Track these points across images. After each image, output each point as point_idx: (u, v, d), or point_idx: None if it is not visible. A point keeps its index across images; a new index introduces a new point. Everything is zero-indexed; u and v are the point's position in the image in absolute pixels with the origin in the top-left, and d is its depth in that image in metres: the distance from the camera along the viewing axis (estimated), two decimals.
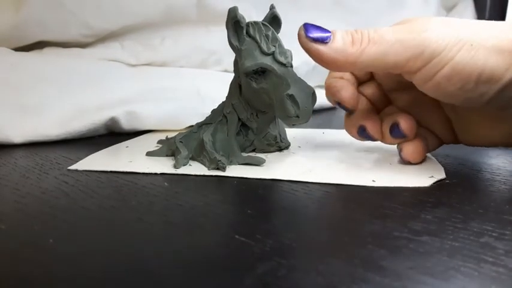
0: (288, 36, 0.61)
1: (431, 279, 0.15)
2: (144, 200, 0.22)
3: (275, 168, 0.28)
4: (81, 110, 0.38)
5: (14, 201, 0.22)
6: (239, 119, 0.31)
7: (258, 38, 0.28)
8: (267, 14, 0.30)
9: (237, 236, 0.18)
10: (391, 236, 0.18)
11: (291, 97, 0.26)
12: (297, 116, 0.26)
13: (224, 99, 0.32)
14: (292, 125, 0.28)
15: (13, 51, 0.40)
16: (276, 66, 0.27)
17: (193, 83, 0.44)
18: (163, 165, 0.28)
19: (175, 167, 0.28)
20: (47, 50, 0.43)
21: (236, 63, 0.30)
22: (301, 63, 0.53)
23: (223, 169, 0.27)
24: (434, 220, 0.19)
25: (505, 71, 0.23)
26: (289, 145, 0.33)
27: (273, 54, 0.28)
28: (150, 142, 0.35)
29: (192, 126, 0.33)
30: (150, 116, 0.40)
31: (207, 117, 0.32)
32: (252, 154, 0.31)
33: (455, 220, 0.19)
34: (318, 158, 0.30)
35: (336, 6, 0.66)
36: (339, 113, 0.56)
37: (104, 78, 0.41)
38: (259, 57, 0.28)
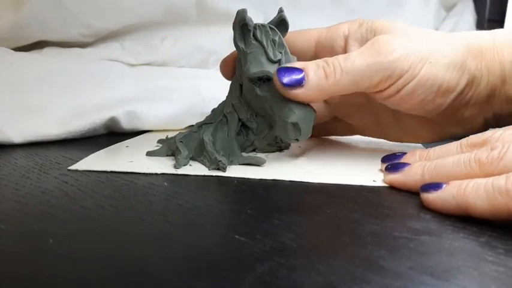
0: None
1: (431, 279, 0.15)
2: (143, 200, 0.22)
3: (275, 168, 0.28)
4: (81, 110, 0.38)
5: (14, 201, 0.22)
6: (239, 119, 0.31)
7: (264, 42, 0.28)
8: (275, 17, 0.30)
9: (237, 236, 0.18)
10: (391, 236, 0.18)
11: (295, 125, 0.26)
12: (297, 140, 0.27)
13: (224, 99, 0.32)
14: (286, 140, 0.29)
15: (13, 51, 0.40)
16: None
17: (194, 83, 0.44)
18: (164, 165, 0.28)
19: (176, 167, 0.28)
20: (47, 50, 0.43)
21: (240, 63, 0.30)
22: None
23: (224, 169, 0.27)
24: (434, 220, 0.20)
25: (456, 83, 0.27)
26: (289, 145, 0.33)
27: (279, 62, 0.27)
28: (150, 142, 0.35)
29: (192, 126, 0.33)
30: (150, 116, 0.40)
31: (207, 117, 0.32)
32: (253, 154, 0.31)
33: (455, 220, 0.19)
34: (318, 158, 0.30)
35: (336, 6, 0.66)
36: None
37: (104, 78, 0.41)
38: (266, 64, 0.27)
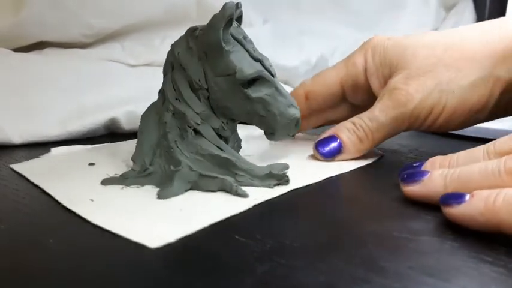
0: (289, 38, 0.60)
1: (431, 279, 0.15)
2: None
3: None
4: (81, 110, 0.38)
5: (14, 201, 0.22)
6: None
7: (242, 40, 0.25)
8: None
9: (237, 236, 0.18)
10: (391, 236, 0.18)
11: (298, 121, 0.26)
12: (292, 136, 0.26)
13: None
14: (273, 140, 0.27)
15: (13, 52, 0.40)
16: (269, 75, 0.25)
17: None
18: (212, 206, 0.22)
19: (245, 195, 0.22)
20: (47, 51, 0.43)
21: (196, 66, 0.25)
22: (301, 62, 0.53)
23: (288, 182, 0.24)
24: (434, 220, 0.19)
25: (489, 96, 0.27)
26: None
27: (261, 61, 0.25)
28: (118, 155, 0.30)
29: None
30: None
31: (141, 134, 0.26)
32: None
33: None
34: (300, 157, 0.30)
35: (336, 7, 0.66)
36: None
37: (104, 78, 0.41)
38: (254, 64, 0.25)
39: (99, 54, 0.43)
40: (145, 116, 0.27)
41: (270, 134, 0.26)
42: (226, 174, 0.24)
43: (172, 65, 0.26)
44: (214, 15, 0.24)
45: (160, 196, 0.22)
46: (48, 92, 0.37)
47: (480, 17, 0.79)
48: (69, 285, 0.15)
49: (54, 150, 0.31)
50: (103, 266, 0.16)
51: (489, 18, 0.79)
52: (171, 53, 0.27)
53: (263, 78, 0.25)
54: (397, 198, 0.22)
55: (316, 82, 0.33)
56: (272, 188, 0.24)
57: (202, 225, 0.19)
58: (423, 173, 0.21)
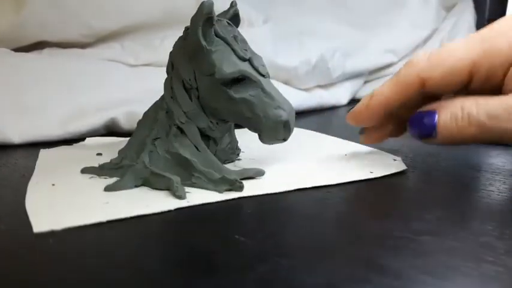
0: (289, 38, 0.60)
1: (431, 279, 0.15)
2: None
3: (270, 179, 0.25)
4: (81, 110, 0.38)
5: (14, 201, 0.22)
6: (198, 129, 0.26)
7: (229, 39, 0.25)
8: (228, 11, 0.26)
9: (237, 236, 0.18)
10: (391, 236, 0.18)
11: (285, 124, 0.24)
12: (284, 139, 0.25)
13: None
14: (268, 143, 0.25)
15: (13, 52, 0.40)
16: (259, 77, 0.24)
17: None
18: (160, 201, 0.22)
19: (181, 197, 0.22)
20: (47, 51, 0.43)
21: (186, 65, 0.25)
22: (300, 62, 0.53)
23: (241, 188, 0.23)
24: (434, 220, 0.19)
25: None
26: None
27: (249, 60, 0.25)
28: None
29: None
30: None
31: (140, 123, 0.28)
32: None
33: (455, 220, 0.19)
34: (299, 160, 0.29)
35: (336, 7, 0.66)
36: (339, 112, 0.56)
37: (103, 79, 0.41)
38: (238, 63, 0.24)
39: (99, 54, 0.43)
40: (145, 113, 0.28)
41: (259, 137, 0.25)
42: (184, 174, 0.24)
43: (172, 65, 0.27)
44: (194, 15, 0.24)
45: (107, 188, 0.23)
46: (48, 92, 0.37)
47: (480, 17, 0.79)
48: (69, 285, 0.15)
49: (88, 140, 0.35)
50: (103, 266, 0.16)
51: (489, 18, 0.79)
52: (170, 53, 0.27)
53: (248, 78, 0.24)
54: (397, 198, 0.22)
55: (435, 64, 0.24)
56: (221, 193, 0.23)
57: (100, 220, 0.19)
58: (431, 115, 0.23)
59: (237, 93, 0.24)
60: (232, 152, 0.29)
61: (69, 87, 0.38)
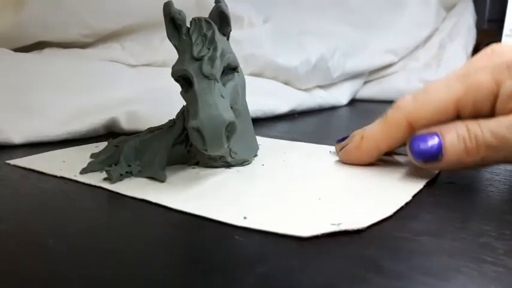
0: (289, 37, 0.60)
1: (431, 279, 0.15)
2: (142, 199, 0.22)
3: (173, 189, 0.24)
4: (81, 110, 0.38)
5: (14, 201, 0.22)
6: (184, 127, 0.27)
7: (194, 38, 0.24)
8: (212, 10, 0.26)
9: (236, 236, 0.18)
10: (391, 236, 0.18)
11: (198, 131, 0.22)
12: (206, 150, 0.22)
13: None
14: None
15: (13, 52, 0.40)
16: (198, 78, 0.23)
17: None
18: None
19: (111, 181, 0.24)
20: (47, 51, 0.43)
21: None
22: (301, 63, 0.53)
23: (112, 181, 0.24)
24: (434, 220, 0.19)
25: None
26: (245, 162, 0.28)
27: (201, 60, 0.23)
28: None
29: None
30: (150, 116, 0.39)
31: (170, 121, 0.29)
32: (197, 169, 0.27)
33: (455, 220, 0.19)
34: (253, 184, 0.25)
35: (336, 7, 0.66)
36: (339, 112, 0.56)
37: (103, 79, 0.41)
38: (187, 62, 0.24)
39: (99, 54, 0.43)
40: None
41: None
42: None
43: None
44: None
45: (82, 171, 0.26)
46: (48, 92, 0.37)
47: (480, 17, 0.79)
48: (69, 285, 0.15)
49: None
50: (103, 266, 0.16)
51: (489, 18, 0.79)
52: None
53: (188, 79, 0.24)
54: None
55: (421, 106, 0.24)
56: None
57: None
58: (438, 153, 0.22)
59: (184, 92, 0.25)
60: (211, 157, 0.26)
61: (69, 88, 0.38)
